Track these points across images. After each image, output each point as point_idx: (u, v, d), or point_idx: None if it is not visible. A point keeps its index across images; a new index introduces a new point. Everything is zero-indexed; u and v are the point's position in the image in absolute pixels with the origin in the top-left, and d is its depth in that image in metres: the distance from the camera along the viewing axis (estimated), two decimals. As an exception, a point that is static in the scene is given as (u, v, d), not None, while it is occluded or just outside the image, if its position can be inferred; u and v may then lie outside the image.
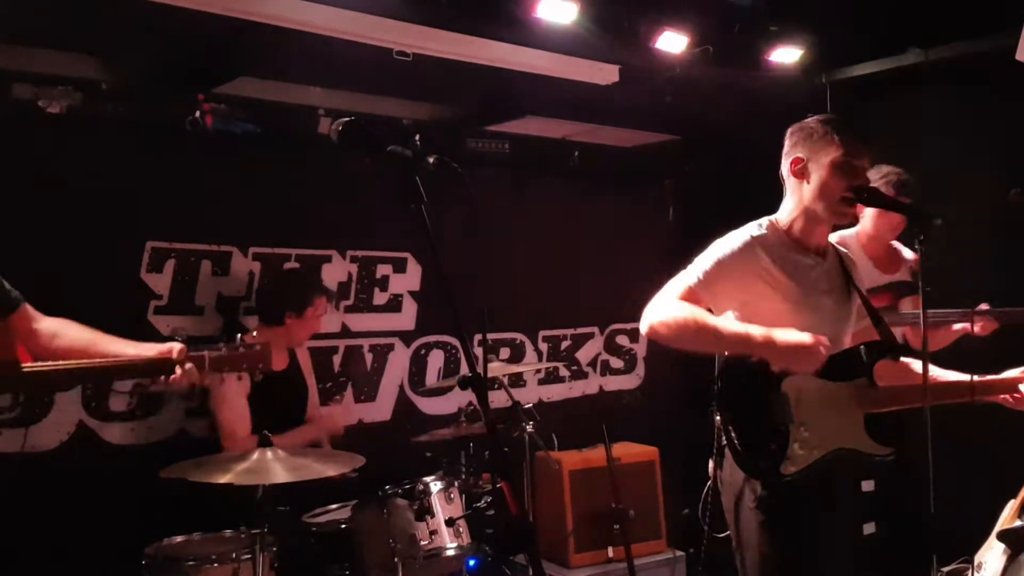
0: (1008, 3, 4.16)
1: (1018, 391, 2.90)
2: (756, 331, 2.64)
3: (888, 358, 2.84)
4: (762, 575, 2.72)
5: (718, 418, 2.73)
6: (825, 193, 2.76)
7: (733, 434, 2.67)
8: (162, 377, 2.67)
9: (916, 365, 2.98)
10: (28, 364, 2.50)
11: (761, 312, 2.73)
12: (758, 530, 2.70)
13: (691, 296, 2.76)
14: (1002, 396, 2.92)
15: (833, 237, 3.82)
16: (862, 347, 2.81)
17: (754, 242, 2.78)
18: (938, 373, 2.97)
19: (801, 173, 2.80)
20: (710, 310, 2.79)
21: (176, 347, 2.66)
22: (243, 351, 2.76)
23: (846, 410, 2.74)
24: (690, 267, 2.82)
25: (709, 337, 2.69)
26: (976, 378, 2.89)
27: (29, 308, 2.71)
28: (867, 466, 2.79)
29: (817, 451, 2.66)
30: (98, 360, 2.61)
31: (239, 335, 2.85)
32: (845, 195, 2.74)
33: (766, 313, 2.73)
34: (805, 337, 2.59)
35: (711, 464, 2.85)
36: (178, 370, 2.62)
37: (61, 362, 2.56)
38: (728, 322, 2.73)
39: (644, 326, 2.78)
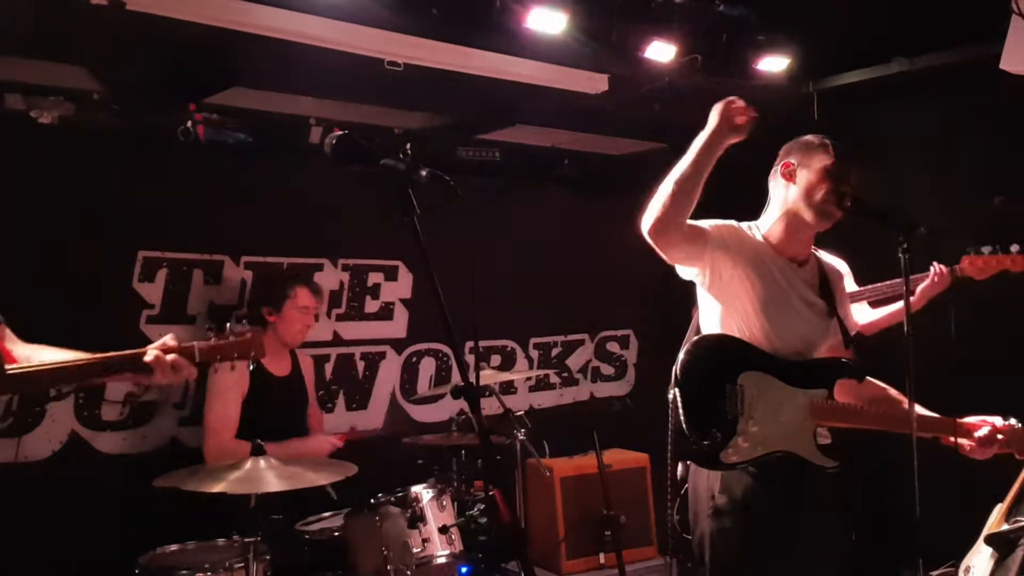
0: (991, 13, 4.21)
1: (972, 437, 2.86)
2: (703, 134, 2.74)
3: (852, 378, 2.89)
4: None
5: (669, 398, 2.77)
6: (809, 195, 2.82)
7: (681, 413, 2.70)
8: (153, 374, 2.52)
9: (888, 392, 3.03)
10: (12, 366, 2.47)
11: (741, 306, 2.79)
12: (712, 536, 2.73)
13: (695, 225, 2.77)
14: (956, 441, 2.87)
15: None
16: (831, 360, 2.87)
17: (743, 228, 2.88)
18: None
19: (790, 175, 2.87)
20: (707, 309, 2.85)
21: (167, 336, 2.57)
22: (233, 339, 2.66)
23: (799, 416, 2.77)
24: None
25: (687, 174, 2.70)
26: (923, 413, 2.87)
27: (7, 330, 2.68)
28: (812, 474, 2.80)
29: (760, 448, 2.70)
30: (85, 357, 2.53)
31: (228, 324, 2.78)
32: (829, 198, 2.79)
33: (745, 306, 2.78)
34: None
35: (680, 466, 2.90)
36: (166, 359, 2.48)
37: (47, 362, 2.51)
38: (688, 153, 2.75)
39: (646, 225, 2.77)
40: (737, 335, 2.81)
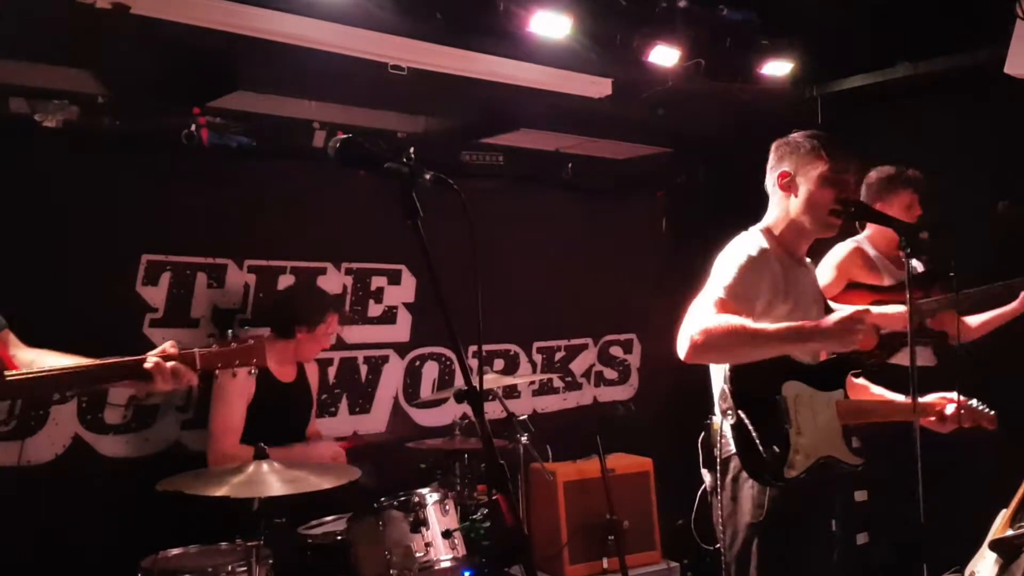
0: (995, 17, 4.21)
1: (942, 415, 2.96)
2: (807, 323, 2.65)
3: (857, 371, 2.94)
4: None
5: (726, 422, 2.72)
6: (812, 206, 2.80)
7: (754, 433, 2.66)
8: (153, 381, 2.50)
9: (867, 386, 3.10)
10: (11, 372, 2.46)
11: (767, 319, 2.76)
12: (754, 548, 2.71)
13: (726, 305, 2.71)
14: (925, 420, 2.98)
15: (849, 243, 3.89)
16: (842, 359, 2.88)
17: (764, 253, 2.80)
18: (883, 393, 3.09)
19: (788, 187, 2.85)
20: None
21: (168, 344, 2.55)
22: (236, 347, 2.64)
23: (831, 419, 2.78)
24: (710, 285, 2.79)
25: (761, 340, 2.62)
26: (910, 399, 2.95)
27: (11, 335, 2.67)
28: (844, 475, 2.81)
29: (811, 457, 2.69)
30: (85, 363, 2.53)
31: (229, 331, 2.75)
32: (833, 208, 2.78)
33: (771, 319, 2.76)
34: (847, 312, 2.60)
35: (707, 475, 2.86)
36: (167, 366, 2.47)
37: (47, 368, 2.51)
38: (772, 324, 2.68)
39: (684, 348, 2.67)
40: None
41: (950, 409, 2.94)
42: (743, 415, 2.68)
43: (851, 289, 4.13)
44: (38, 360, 2.63)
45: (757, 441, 2.66)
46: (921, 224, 4.17)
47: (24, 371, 2.48)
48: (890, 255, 4.20)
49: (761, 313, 2.76)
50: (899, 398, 3.04)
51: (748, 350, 2.66)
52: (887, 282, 4.16)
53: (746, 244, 2.82)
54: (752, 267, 2.75)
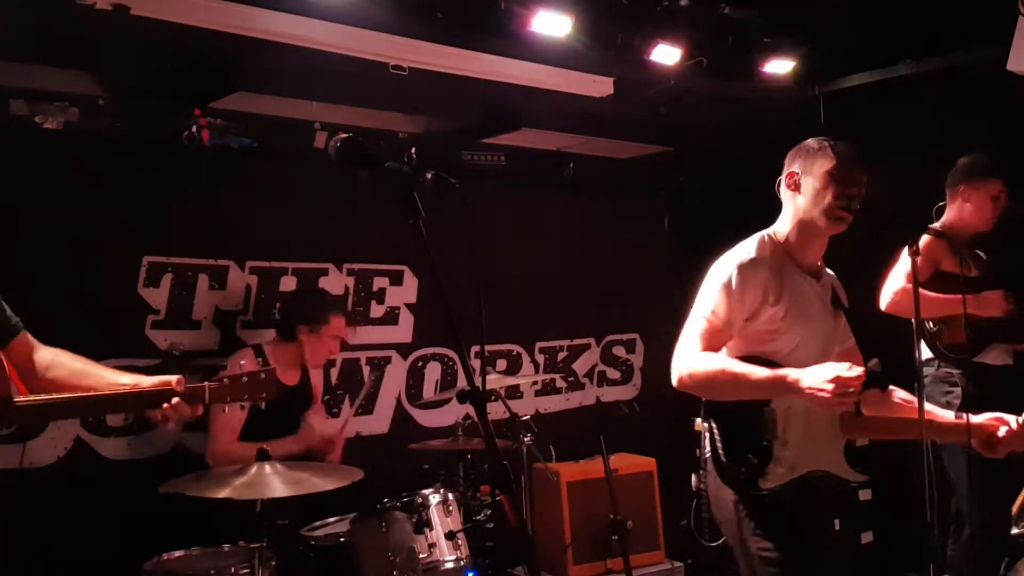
0: (998, 15, 4.19)
1: (995, 436, 2.81)
2: (790, 374, 2.61)
3: (878, 388, 2.85)
4: None
5: (704, 426, 2.76)
6: (818, 201, 2.80)
7: (718, 443, 2.70)
8: (157, 413, 2.53)
9: (902, 395, 2.98)
10: (21, 398, 2.45)
11: (759, 328, 2.76)
12: (753, 538, 2.71)
13: (713, 334, 2.72)
14: (974, 441, 2.86)
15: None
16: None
17: (752, 263, 2.78)
18: (932, 409, 2.92)
19: (795, 185, 2.85)
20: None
21: (175, 379, 2.56)
22: (247, 380, 2.65)
23: (829, 433, 2.76)
24: (699, 304, 2.79)
25: (744, 387, 2.65)
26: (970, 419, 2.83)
27: (28, 336, 2.66)
28: (841, 490, 2.79)
29: (797, 470, 2.68)
30: (92, 392, 2.53)
31: (241, 360, 2.72)
32: (838, 202, 2.77)
33: (763, 329, 2.76)
34: (829, 374, 2.54)
35: (694, 477, 2.88)
36: (172, 402, 2.50)
37: (55, 395, 2.51)
38: (755, 368, 2.67)
39: (675, 379, 2.74)
40: (760, 346, 2.77)
41: (1002, 432, 2.80)
42: (713, 424, 2.72)
43: (939, 279, 3.97)
44: (56, 361, 2.63)
45: (720, 450, 2.70)
46: (1005, 215, 4.11)
47: (33, 397, 2.47)
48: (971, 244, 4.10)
49: (748, 321, 2.75)
50: (947, 415, 2.92)
51: (730, 393, 2.70)
52: (973, 272, 4.03)
53: (732, 260, 2.81)
54: (736, 285, 2.74)
